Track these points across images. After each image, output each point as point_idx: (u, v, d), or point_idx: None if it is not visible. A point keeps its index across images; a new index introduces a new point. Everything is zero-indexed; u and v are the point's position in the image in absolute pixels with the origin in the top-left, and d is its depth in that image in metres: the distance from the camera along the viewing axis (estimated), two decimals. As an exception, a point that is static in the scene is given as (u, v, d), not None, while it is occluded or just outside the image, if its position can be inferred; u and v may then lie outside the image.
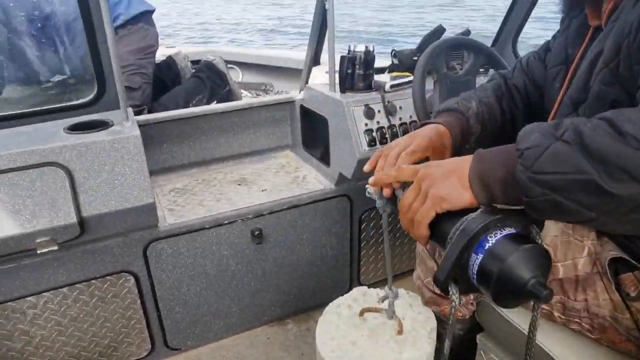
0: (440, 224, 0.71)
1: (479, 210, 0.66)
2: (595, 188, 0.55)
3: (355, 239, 1.85)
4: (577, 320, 0.94)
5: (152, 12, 2.14)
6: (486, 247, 0.62)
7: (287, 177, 1.85)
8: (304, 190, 1.72)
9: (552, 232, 0.96)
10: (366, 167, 0.96)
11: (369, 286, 1.35)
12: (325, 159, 1.78)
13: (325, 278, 1.85)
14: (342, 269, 1.88)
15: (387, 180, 0.84)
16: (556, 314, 0.98)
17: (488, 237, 0.62)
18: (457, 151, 1.00)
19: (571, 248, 0.92)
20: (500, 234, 0.62)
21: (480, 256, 0.62)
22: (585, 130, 0.57)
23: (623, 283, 0.86)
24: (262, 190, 1.74)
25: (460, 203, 0.69)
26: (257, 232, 1.62)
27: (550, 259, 0.63)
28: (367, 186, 0.89)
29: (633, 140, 0.54)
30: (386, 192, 0.86)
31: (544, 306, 0.97)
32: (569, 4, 1.01)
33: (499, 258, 0.60)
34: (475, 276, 0.63)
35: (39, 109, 1.37)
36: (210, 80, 2.37)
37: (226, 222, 1.58)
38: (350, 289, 1.38)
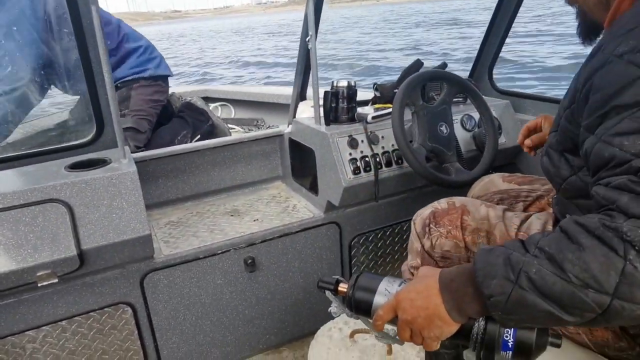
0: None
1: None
2: (557, 318, 0.69)
3: (347, 264, 1.91)
4: None
5: (170, 76, 2.48)
6: (510, 343, 0.78)
7: (278, 207, 1.92)
8: (294, 219, 1.79)
9: None
10: None
11: None
12: (314, 188, 1.87)
13: (319, 304, 1.90)
14: None
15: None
16: None
17: (504, 334, 0.79)
18: None
19: None
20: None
21: (510, 353, 0.79)
22: (533, 277, 0.69)
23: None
24: (254, 220, 1.81)
25: (452, 332, 0.81)
26: (249, 261, 1.68)
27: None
28: (331, 308, 1.02)
29: (574, 278, 0.65)
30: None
31: None
32: (583, 34, 1.00)
33: (527, 346, 0.78)
34: (509, 353, 0.79)
35: (42, 149, 1.46)
36: (192, 117, 2.54)
37: (219, 251, 1.64)
38: None
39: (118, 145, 1.45)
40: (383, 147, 1.70)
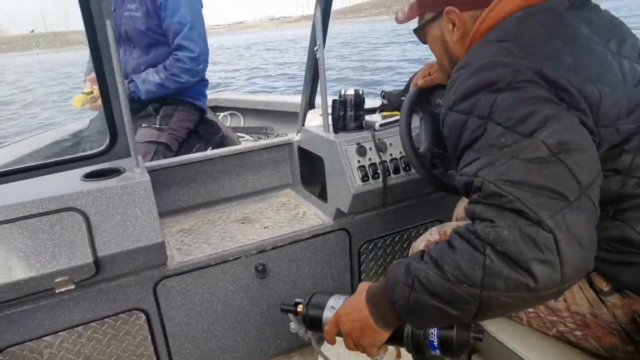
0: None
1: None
2: (447, 314, 0.80)
3: (356, 271, 1.93)
4: (561, 321, 1.02)
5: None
6: (435, 342, 0.92)
7: (287, 214, 1.95)
8: (304, 226, 1.82)
9: None
10: None
11: None
12: (323, 195, 1.89)
13: None
14: None
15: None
16: (536, 323, 1.07)
17: (429, 335, 0.92)
18: None
19: None
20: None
21: (438, 351, 0.93)
22: (423, 280, 0.81)
23: (595, 281, 0.96)
24: (265, 228, 1.83)
25: (384, 339, 0.96)
26: (260, 268, 1.70)
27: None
28: (290, 323, 1.16)
29: (451, 276, 0.77)
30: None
31: (528, 315, 1.09)
32: None
33: (449, 343, 0.91)
34: (437, 351, 0.93)
35: (58, 159, 1.50)
36: (204, 130, 2.59)
37: (231, 258, 1.67)
38: None
39: (131, 155, 1.49)
40: (391, 154, 1.72)
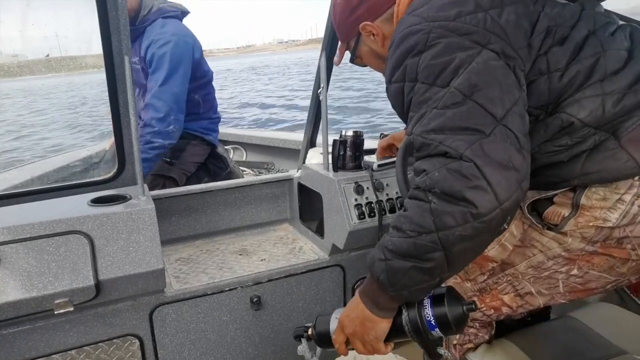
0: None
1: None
2: (423, 270, 0.89)
3: None
4: (553, 269, 1.08)
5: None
6: (432, 322, 0.98)
7: (284, 248, 1.99)
8: (300, 260, 1.86)
9: None
10: None
11: None
12: (320, 231, 1.94)
13: None
14: None
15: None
16: (544, 287, 1.12)
17: (425, 316, 0.98)
18: None
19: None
20: (428, 303, 0.99)
21: (437, 330, 0.98)
22: (390, 247, 0.91)
23: (548, 218, 1.03)
24: (262, 260, 1.87)
25: (385, 329, 1.02)
26: (255, 299, 1.73)
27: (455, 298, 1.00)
28: (299, 347, 1.23)
29: (410, 232, 0.87)
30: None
31: (534, 286, 1.15)
32: None
33: (444, 318, 0.97)
34: (437, 330, 0.98)
35: (68, 183, 1.56)
36: (213, 165, 2.66)
37: (227, 288, 1.70)
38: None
39: (138, 183, 1.55)
40: (387, 194, 1.79)
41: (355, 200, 1.73)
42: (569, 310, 1.46)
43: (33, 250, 1.31)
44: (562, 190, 1.01)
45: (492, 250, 1.15)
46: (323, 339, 1.14)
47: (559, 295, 1.11)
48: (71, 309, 1.38)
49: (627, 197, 0.93)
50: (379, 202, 1.75)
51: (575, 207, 0.99)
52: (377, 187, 1.77)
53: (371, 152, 2.06)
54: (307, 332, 1.19)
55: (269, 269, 1.79)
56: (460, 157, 0.83)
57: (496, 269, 1.16)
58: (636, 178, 0.93)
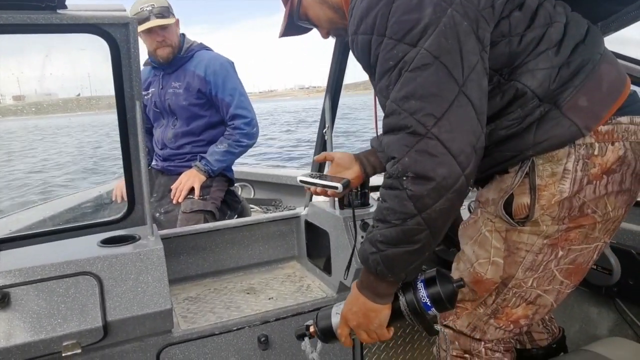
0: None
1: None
2: (414, 251, 0.96)
3: (357, 345, 1.93)
4: (532, 287, 1.14)
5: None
6: (428, 302, 1.05)
7: (292, 286, 1.99)
8: (307, 299, 1.85)
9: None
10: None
11: None
12: (327, 268, 1.94)
13: None
14: None
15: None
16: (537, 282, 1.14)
17: (421, 298, 1.05)
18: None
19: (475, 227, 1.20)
20: (422, 286, 1.06)
21: (433, 309, 1.06)
22: (380, 239, 0.97)
23: (517, 214, 1.08)
24: (269, 299, 1.87)
25: (387, 316, 1.09)
26: (263, 339, 1.72)
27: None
28: (302, 343, 1.29)
29: (395, 221, 0.94)
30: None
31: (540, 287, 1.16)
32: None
33: (438, 297, 1.05)
34: (433, 309, 1.06)
35: (78, 224, 1.59)
36: (230, 199, 2.74)
37: (235, 328, 1.69)
38: None
39: (147, 223, 1.58)
40: None
41: (362, 237, 1.74)
42: (583, 345, 1.44)
43: (43, 292, 1.33)
44: (517, 160, 1.06)
45: (488, 273, 1.15)
46: (327, 334, 1.20)
47: (561, 286, 1.14)
48: (79, 350, 1.38)
49: (570, 165, 1.01)
50: None
51: (533, 190, 1.04)
52: None
53: (376, 189, 2.08)
54: (309, 330, 1.24)
55: (276, 308, 1.78)
56: (425, 135, 0.88)
57: (500, 287, 1.17)
58: (571, 145, 1.00)
